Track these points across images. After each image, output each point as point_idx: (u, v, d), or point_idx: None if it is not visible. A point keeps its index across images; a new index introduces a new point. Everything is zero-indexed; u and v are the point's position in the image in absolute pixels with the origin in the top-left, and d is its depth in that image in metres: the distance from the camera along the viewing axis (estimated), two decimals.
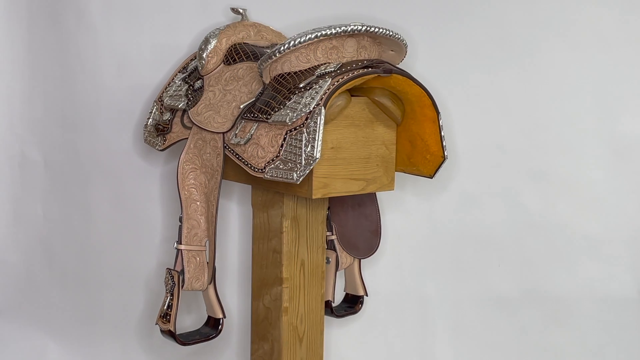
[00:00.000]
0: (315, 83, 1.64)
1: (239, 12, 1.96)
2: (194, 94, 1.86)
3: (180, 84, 1.92)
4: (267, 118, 1.66)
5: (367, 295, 2.02)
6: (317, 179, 1.70)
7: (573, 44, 2.04)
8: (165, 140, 1.91)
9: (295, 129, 1.62)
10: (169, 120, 1.91)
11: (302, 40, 1.64)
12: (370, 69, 1.66)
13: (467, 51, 2.06)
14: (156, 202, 2.16)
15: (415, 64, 2.07)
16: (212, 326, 1.88)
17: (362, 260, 2.01)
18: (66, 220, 2.21)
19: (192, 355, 2.21)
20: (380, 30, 1.65)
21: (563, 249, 2.11)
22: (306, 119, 1.61)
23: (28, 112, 2.19)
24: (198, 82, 1.87)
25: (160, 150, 1.90)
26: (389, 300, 2.18)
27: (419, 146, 1.76)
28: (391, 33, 1.67)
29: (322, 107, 1.61)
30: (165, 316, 1.82)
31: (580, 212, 2.09)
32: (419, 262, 2.14)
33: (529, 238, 2.12)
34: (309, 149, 1.60)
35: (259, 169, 1.66)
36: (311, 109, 1.60)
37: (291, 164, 1.61)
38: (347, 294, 2.05)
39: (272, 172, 1.64)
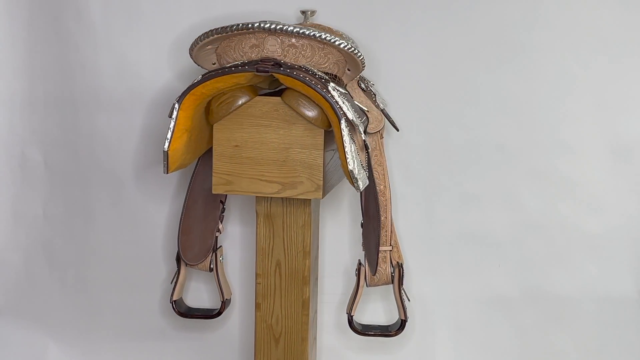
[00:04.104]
0: None
1: (303, 13, 1.96)
2: None
3: None
4: None
5: (404, 319, 1.94)
6: (218, 175, 1.75)
7: (573, 44, 2.04)
8: None
9: None
10: None
11: (200, 39, 1.73)
12: (244, 67, 1.68)
13: (467, 50, 2.06)
14: (156, 202, 2.16)
15: (415, 63, 2.07)
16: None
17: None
18: (66, 220, 2.21)
19: (195, 350, 2.21)
20: (260, 25, 1.67)
21: (563, 249, 2.10)
22: None
23: (28, 112, 2.19)
24: None
25: None
26: (388, 300, 2.17)
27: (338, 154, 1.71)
28: (283, 27, 1.68)
29: (176, 103, 1.68)
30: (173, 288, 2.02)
31: (580, 212, 2.09)
32: (419, 262, 2.14)
33: (529, 238, 2.11)
34: None
35: None
36: (174, 104, 1.69)
37: None
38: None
39: None
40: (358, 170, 1.68)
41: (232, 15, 2.02)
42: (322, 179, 1.74)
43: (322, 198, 1.76)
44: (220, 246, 2.04)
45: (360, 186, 1.68)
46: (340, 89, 1.75)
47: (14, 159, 2.21)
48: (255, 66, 1.68)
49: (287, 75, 1.67)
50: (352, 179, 1.67)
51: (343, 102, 1.69)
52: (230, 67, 1.71)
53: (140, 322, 2.22)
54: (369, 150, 1.82)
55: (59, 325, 2.26)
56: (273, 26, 1.68)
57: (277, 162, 1.74)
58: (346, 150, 1.66)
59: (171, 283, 2.04)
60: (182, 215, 1.96)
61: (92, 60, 2.10)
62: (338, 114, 1.66)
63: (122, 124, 2.12)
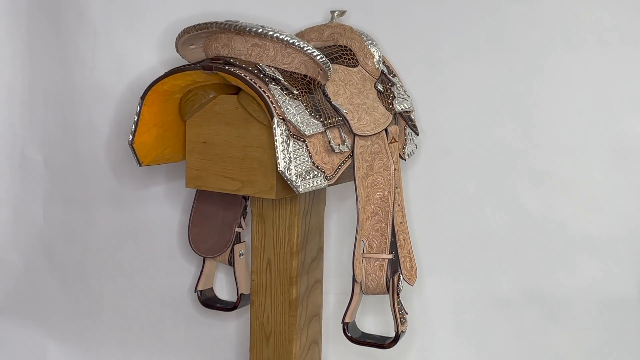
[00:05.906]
0: None
1: (332, 13, 1.96)
2: None
3: None
4: None
5: (396, 332, 1.88)
6: (190, 170, 1.80)
7: (573, 44, 2.04)
8: None
9: None
10: None
11: (177, 38, 1.77)
12: (196, 65, 1.71)
13: (467, 50, 2.06)
14: (156, 202, 2.16)
15: (414, 63, 2.07)
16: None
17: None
18: (66, 220, 2.21)
19: (195, 345, 2.21)
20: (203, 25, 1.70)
21: (563, 249, 2.10)
22: None
23: (28, 112, 2.19)
24: None
25: None
26: (388, 301, 2.18)
27: None
28: (234, 24, 1.68)
29: (140, 100, 1.76)
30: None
31: (580, 212, 2.09)
32: (419, 262, 2.14)
33: (529, 238, 2.11)
34: None
35: None
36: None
37: None
38: None
39: None
40: (297, 172, 1.67)
41: (234, 14, 2.02)
42: (275, 178, 1.73)
43: (275, 198, 1.74)
44: (244, 241, 2.04)
45: (300, 189, 1.67)
46: (293, 90, 1.71)
47: (14, 159, 2.22)
48: (202, 64, 1.70)
49: (228, 74, 1.67)
50: (287, 181, 1.66)
51: (284, 102, 1.67)
52: (185, 65, 1.75)
53: (140, 321, 2.22)
54: (344, 152, 1.77)
55: (59, 325, 2.26)
56: (227, 25, 1.69)
57: (237, 160, 1.75)
58: (277, 149, 1.64)
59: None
60: (192, 209, 1.98)
61: (92, 60, 2.11)
62: (271, 111, 1.65)
63: (122, 123, 2.12)
